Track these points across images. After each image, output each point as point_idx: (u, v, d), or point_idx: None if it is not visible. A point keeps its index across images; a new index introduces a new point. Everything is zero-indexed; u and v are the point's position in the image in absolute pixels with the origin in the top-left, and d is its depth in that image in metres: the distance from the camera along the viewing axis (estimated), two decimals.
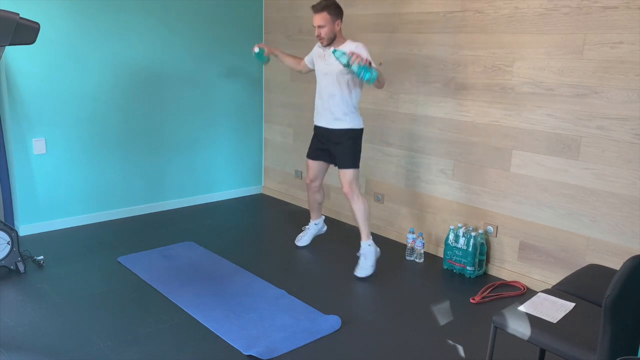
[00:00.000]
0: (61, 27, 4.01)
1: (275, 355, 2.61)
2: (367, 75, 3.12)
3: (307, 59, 3.78)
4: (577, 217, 3.19)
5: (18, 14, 2.35)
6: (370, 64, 3.18)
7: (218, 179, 5.15)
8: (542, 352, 2.43)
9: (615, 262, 3.02)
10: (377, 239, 4.25)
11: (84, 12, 4.08)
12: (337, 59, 3.18)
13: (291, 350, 2.66)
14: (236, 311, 3.02)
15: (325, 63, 3.50)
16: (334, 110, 3.49)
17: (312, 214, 4.02)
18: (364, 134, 3.60)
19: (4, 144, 4.00)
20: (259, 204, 5.15)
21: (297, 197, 5.07)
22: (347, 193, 3.56)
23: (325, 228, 4.14)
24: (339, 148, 3.54)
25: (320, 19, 3.36)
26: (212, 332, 2.81)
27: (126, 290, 3.27)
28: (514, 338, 2.12)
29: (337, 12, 3.38)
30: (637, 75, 2.85)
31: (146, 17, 4.40)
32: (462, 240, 3.56)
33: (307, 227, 4.09)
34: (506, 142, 3.45)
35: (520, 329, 2.06)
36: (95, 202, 4.42)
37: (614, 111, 2.96)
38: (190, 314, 2.98)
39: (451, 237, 3.63)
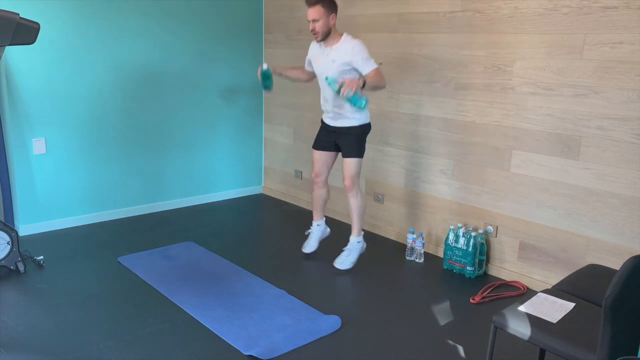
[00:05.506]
0: (61, 27, 4.01)
1: (275, 355, 2.61)
2: (357, 104, 3.20)
3: (306, 65, 3.73)
4: (577, 217, 3.18)
5: (18, 14, 2.35)
6: (364, 84, 3.20)
7: (218, 179, 5.15)
8: (542, 352, 2.43)
9: (615, 262, 3.02)
10: (377, 238, 4.26)
11: (84, 12, 4.09)
12: (329, 85, 3.24)
13: (291, 350, 2.66)
14: (236, 311, 3.02)
15: (323, 65, 3.46)
16: (341, 111, 3.47)
17: (315, 214, 3.87)
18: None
19: (4, 144, 3.99)
20: (259, 204, 5.15)
21: (297, 197, 5.07)
22: (348, 187, 3.53)
23: (328, 230, 3.99)
24: (345, 138, 3.54)
25: (314, 12, 3.31)
26: (212, 332, 2.81)
27: (126, 290, 3.27)
28: (514, 338, 2.12)
29: (331, 6, 3.32)
30: (637, 75, 2.85)
31: (146, 17, 4.40)
32: (462, 240, 3.56)
33: (309, 231, 3.92)
34: (506, 142, 3.45)
35: (520, 329, 2.06)
36: (95, 202, 4.42)
37: (614, 111, 2.96)
38: (190, 314, 2.98)
39: (451, 237, 3.63)
